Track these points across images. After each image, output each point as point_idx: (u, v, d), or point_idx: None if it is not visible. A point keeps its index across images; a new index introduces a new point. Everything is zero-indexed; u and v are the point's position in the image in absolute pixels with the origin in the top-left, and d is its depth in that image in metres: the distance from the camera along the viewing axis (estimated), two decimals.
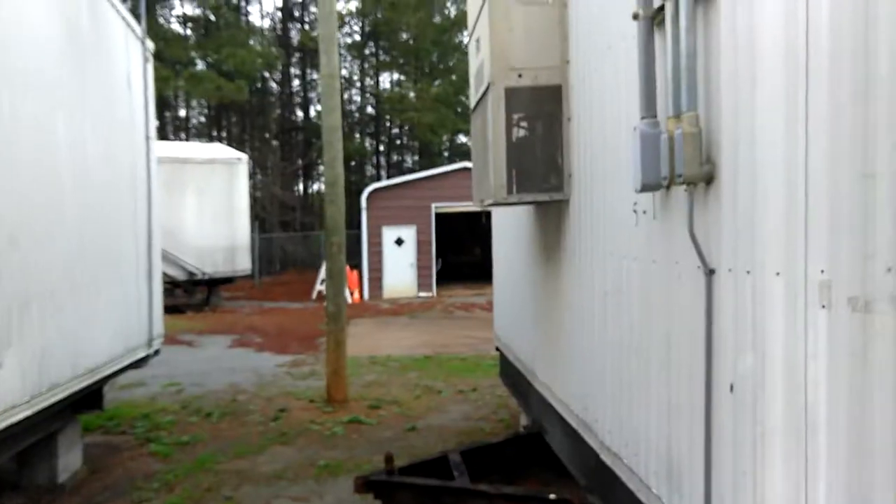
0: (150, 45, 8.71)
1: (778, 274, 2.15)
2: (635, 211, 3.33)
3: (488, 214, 26.12)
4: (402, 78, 41.30)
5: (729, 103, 2.34)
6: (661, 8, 2.80)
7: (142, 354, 7.75)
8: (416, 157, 43.24)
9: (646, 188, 2.85)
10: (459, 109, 38.60)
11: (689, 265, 2.69)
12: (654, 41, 2.90)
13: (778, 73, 2.17)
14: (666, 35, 2.64)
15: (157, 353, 8.34)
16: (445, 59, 39.44)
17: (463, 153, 41.10)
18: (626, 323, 3.49)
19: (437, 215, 22.63)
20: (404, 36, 38.29)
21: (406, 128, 41.36)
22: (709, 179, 2.47)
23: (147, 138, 8.29)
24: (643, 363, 3.22)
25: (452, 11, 39.28)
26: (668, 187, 2.88)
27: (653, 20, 2.89)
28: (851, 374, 2.17)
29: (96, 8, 6.77)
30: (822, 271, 2.16)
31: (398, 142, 44.89)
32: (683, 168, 2.44)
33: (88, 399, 6.52)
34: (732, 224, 2.32)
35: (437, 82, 38.16)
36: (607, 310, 3.79)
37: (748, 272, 2.22)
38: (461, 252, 29.78)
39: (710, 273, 2.46)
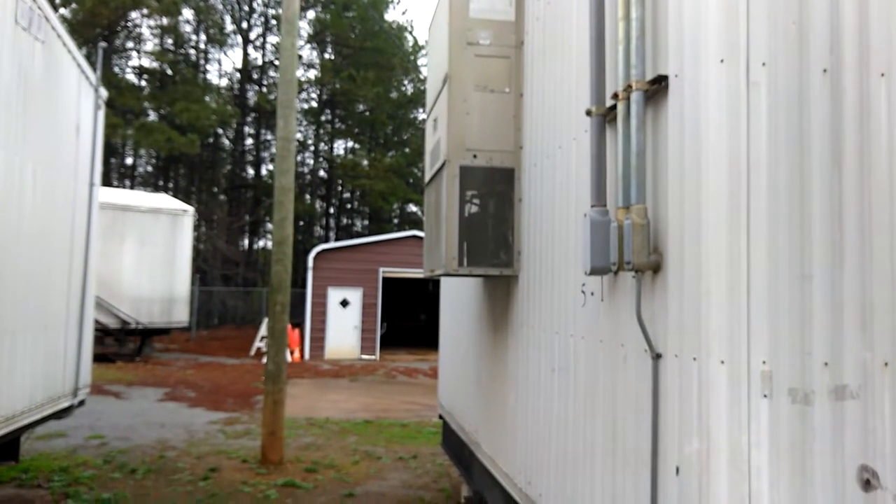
0: (104, 93, 8.68)
1: (722, 362, 2.29)
2: (583, 292, 3.46)
3: (435, 282, 26.35)
4: (357, 146, 42.01)
5: (675, 200, 2.51)
6: (613, 107, 3.01)
7: (65, 404, 7.43)
8: (366, 222, 43.50)
9: (595, 272, 2.99)
10: (411, 180, 39.37)
11: (636, 348, 2.81)
12: (605, 136, 3.10)
13: (722, 176, 2.36)
14: (617, 131, 2.83)
15: (82, 403, 8.00)
16: (400, 133, 40.51)
17: (412, 221, 41.69)
18: (571, 400, 3.57)
19: (385, 280, 22.64)
20: (361, 107, 39.16)
21: (357, 193, 41.77)
22: (656, 268, 2.62)
23: (91, 185, 8.17)
24: (588, 441, 3.29)
25: (409, 89, 40.60)
26: (616, 272, 3.03)
27: (604, 117, 3.09)
28: (792, 464, 2.29)
29: (52, 52, 6.76)
30: (764, 362, 2.30)
31: (349, 206, 45.17)
32: (632, 256, 2.58)
33: (2, 449, 6.17)
34: (679, 312, 2.45)
35: (390, 153, 38.97)
36: (554, 386, 3.87)
37: (694, 359, 2.35)
38: (406, 317, 29.73)
39: (656, 357, 2.58)
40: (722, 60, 2.38)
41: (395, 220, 43.63)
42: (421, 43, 38.85)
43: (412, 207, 44.25)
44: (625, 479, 2.86)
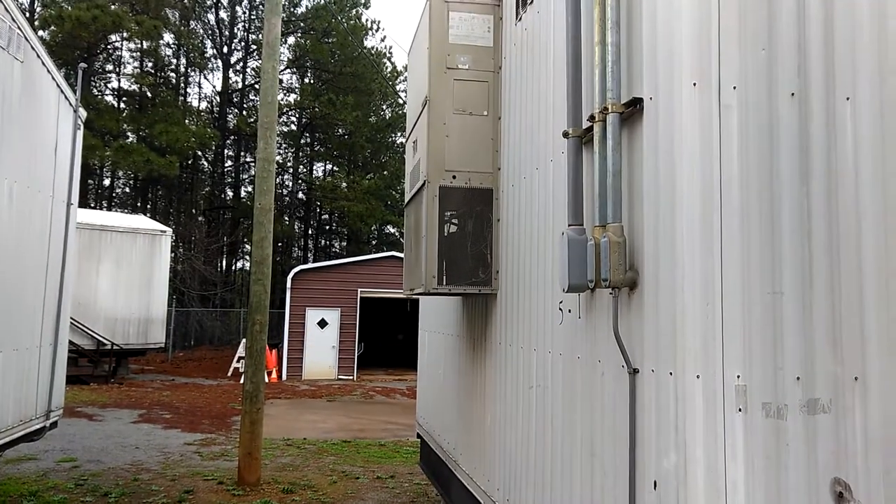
0: (83, 113, 8.64)
1: (698, 377, 2.33)
2: (561, 309, 3.51)
3: (413, 302, 26.35)
4: (335, 169, 42.12)
5: (650, 218, 2.57)
6: (590, 129, 3.08)
7: (37, 426, 7.29)
8: (344, 244, 43.47)
9: (572, 289, 3.03)
10: (389, 202, 39.51)
11: (613, 364, 2.85)
12: (582, 157, 3.17)
13: (695, 196, 2.43)
14: (594, 152, 2.90)
15: (54, 425, 7.85)
16: (378, 156, 40.75)
17: (390, 243, 41.77)
18: (549, 417, 3.60)
19: (362, 300, 22.58)
20: (340, 131, 39.37)
21: (336, 215, 41.80)
22: (632, 285, 2.67)
23: (69, 204, 8.10)
24: (567, 456, 3.31)
25: (388, 113, 40.93)
26: (593, 290, 3.08)
27: (581, 139, 3.16)
28: (767, 478, 2.34)
29: (30, 71, 6.74)
30: (738, 376, 2.36)
31: (327, 227, 45.15)
32: (609, 273, 2.63)
33: None
34: (655, 328, 2.50)
35: (369, 176, 39.15)
36: (532, 403, 3.90)
37: (670, 373, 2.39)
38: (384, 337, 29.62)
39: (633, 372, 2.62)
40: (694, 84, 2.46)
41: (373, 242, 43.66)
42: (399, 68, 39.23)
43: (390, 229, 44.33)
44: (604, 494, 2.89)
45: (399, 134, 42.38)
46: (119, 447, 10.89)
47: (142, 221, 21.99)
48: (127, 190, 39.84)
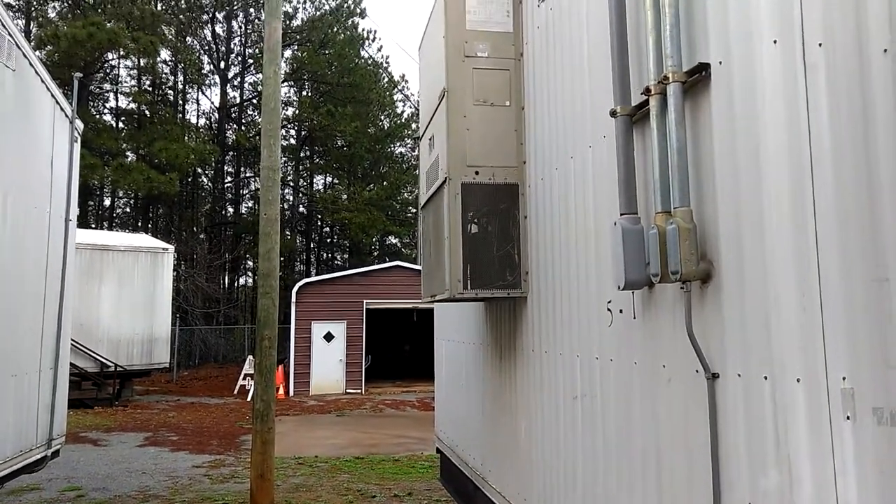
0: (80, 125, 8.34)
1: (798, 380, 1.99)
2: (609, 310, 3.17)
3: (419, 312, 25.95)
4: (336, 181, 41.89)
5: (728, 200, 2.24)
6: (642, 105, 2.76)
7: (38, 456, 6.93)
8: (346, 256, 43.17)
9: (629, 286, 2.70)
10: (390, 212, 39.23)
11: (682, 368, 2.51)
12: (632, 138, 2.84)
13: (783, 172, 2.10)
14: (651, 130, 2.57)
15: (56, 454, 7.49)
16: (378, 167, 40.53)
17: (393, 253, 41.49)
18: (600, 430, 3.26)
19: (368, 311, 22.22)
20: (339, 142, 39.16)
21: (337, 227, 41.53)
22: (705, 277, 2.34)
23: (67, 220, 7.78)
24: (624, 474, 2.96)
25: (386, 124, 40.75)
26: (651, 286, 2.75)
27: (631, 117, 2.84)
28: (883, 495, 1.99)
29: (24, 81, 6.44)
30: (844, 378, 2.01)
31: (329, 240, 44.87)
32: (680, 265, 2.30)
33: None
34: (740, 325, 2.17)
35: (369, 186, 38.89)
36: (577, 414, 3.55)
37: (765, 377, 2.05)
38: (391, 349, 29.25)
39: (713, 378, 2.28)
40: (775, 41, 2.14)
41: (375, 253, 43.36)
42: (397, 78, 39.09)
43: (392, 239, 44.06)
44: None
45: (398, 144, 42.17)
46: (125, 473, 10.51)
47: (143, 240, 21.68)
48: (128, 210, 39.60)
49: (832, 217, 2.10)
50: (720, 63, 2.29)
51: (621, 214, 2.79)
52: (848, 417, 2.03)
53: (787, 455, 1.98)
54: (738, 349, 2.18)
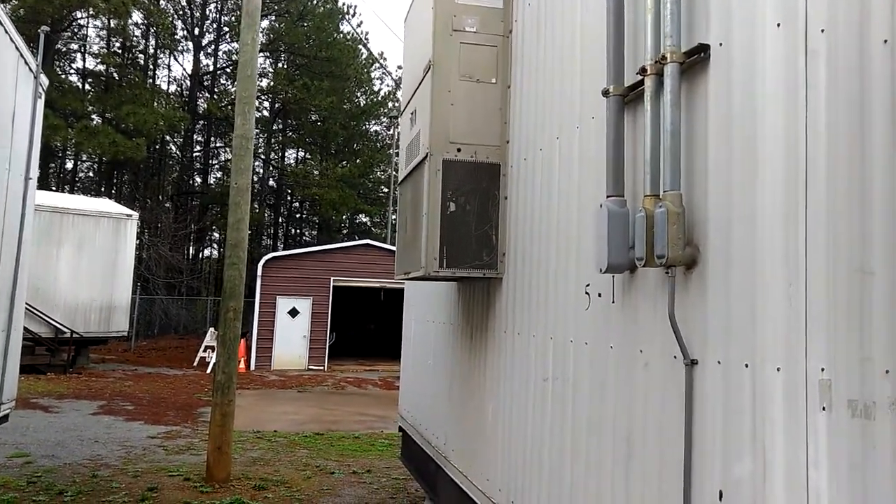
0: (45, 80, 8.04)
1: (779, 369, 1.97)
2: (588, 293, 3.14)
3: (387, 292, 25.81)
4: (308, 156, 41.31)
5: (720, 186, 2.21)
6: (635, 85, 2.71)
7: None
8: (315, 232, 42.75)
9: (612, 269, 2.67)
10: (362, 191, 38.86)
11: (660, 353, 2.49)
12: (623, 119, 2.79)
13: (779, 160, 2.07)
14: (645, 111, 2.52)
15: (5, 419, 7.26)
16: (352, 144, 40.04)
17: (363, 232, 41.20)
18: (570, 413, 3.23)
19: (334, 289, 22.05)
20: (314, 117, 38.57)
21: (307, 203, 41.03)
22: (690, 263, 2.31)
23: (27, 179, 7.50)
24: (594, 457, 2.94)
25: (362, 101, 40.23)
26: (632, 271, 2.71)
27: (623, 98, 2.78)
28: (852, 486, 1.99)
29: None
30: (823, 369, 2.00)
31: (298, 215, 44.34)
32: (667, 250, 2.26)
33: None
34: (724, 313, 2.14)
35: (342, 163, 38.43)
36: (547, 397, 3.53)
37: (746, 365, 2.03)
38: (356, 327, 29.13)
39: (691, 364, 2.25)
40: (778, 25, 2.10)
41: (345, 231, 43.01)
42: (376, 54, 38.57)
43: (363, 218, 43.73)
44: (644, 502, 2.53)
45: (373, 122, 41.72)
46: (77, 441, 10.28)
47: (106, 205, 21.14)
48: (91, 174, 38.56)
49: (823, 208, 2.08)
50: (720, 45, 2.25)
51: (608, 196, 2.74)
52: (824, 408, 2.02)
53: (763, 445, 1.97)
54: (720, 336, 2.15)
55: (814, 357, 2.04)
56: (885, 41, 2.18)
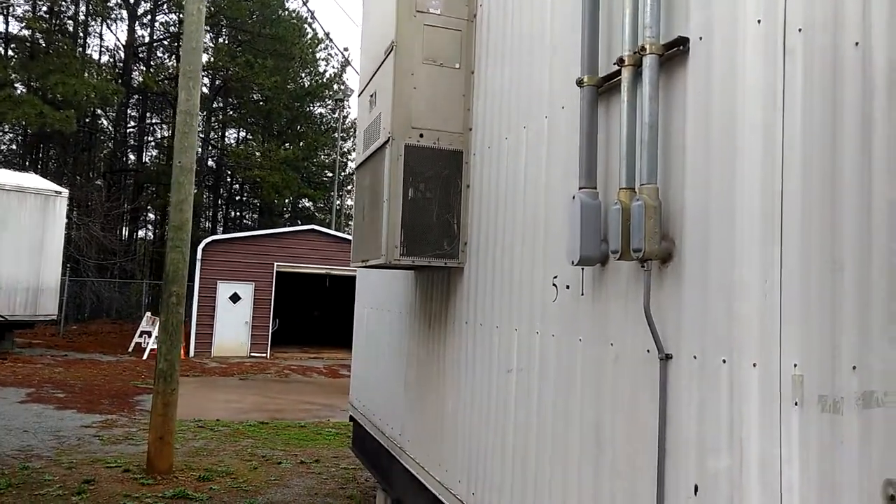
0: None
1: (755, 365, 1.99)
2: (555, 285, 3.13)
3: (331, 277, 25.46)
4: (249, 136, 40.26)
5: (698, 179, 2.21)
6: (611, 76, 2.69)
7: None
8: (256, 216, 41.82)
9: (583, 262, 2.65)
10: (305, 174, 38.12)
11: (630, 347, 2.49)
12: (597, 109, 2.77)
13: (756, 155, 2.08)
14: (621, 102, 2.50)
15: None
16: (295, 125, 39.20)
17: (306, 217, 40.49)
18: (535, 405, 3.23)
19: (278, 274, 21.64)
20: (256, 96, 37.53)
21: (248, 185, 40.04)
22: (665, 257, 2.31)
23: None
24: (560, 450, 2.94)
25: (307, 81, 39.36)
26: (603, 263, 2.71)
27: (598, 88, 2.76)
28: (822, 480, 2.03)
29: None
30: (796, 365, 2.03)
31: (238, 198, 43.25)
32: (644, 243, 2.25)
33: None
34: (700, 307, 2.15)
35: (286, 145, 37.60)
36: (510, 389, 3.51)
37: (724, 361, 2.04)
38: (300, 314, 28.72)
39: (666, 358, 2.26)
40: (759, 21, 2.10)
41: (287, 215, 42.22)
42: (321, 36, 37.78)
43: (306, 202, 42.97)
44: (614, 495, 2.54)
45: (318, 104, 40.95)
46: (4, 431, 9.79)
47: (32, 180, 20.11)
48: (13, 147, 36.54)
49: (797, 201, 2.10)
50: (700, 38, 2.25)
51: (580, 188, 2.72)
52: (796, 404, 2.06)
53: (740, 439, 1.99)
54: (696, 331, 2.17)
55: (787, 352, 2.07)
56: (857, 43, 2.22)
